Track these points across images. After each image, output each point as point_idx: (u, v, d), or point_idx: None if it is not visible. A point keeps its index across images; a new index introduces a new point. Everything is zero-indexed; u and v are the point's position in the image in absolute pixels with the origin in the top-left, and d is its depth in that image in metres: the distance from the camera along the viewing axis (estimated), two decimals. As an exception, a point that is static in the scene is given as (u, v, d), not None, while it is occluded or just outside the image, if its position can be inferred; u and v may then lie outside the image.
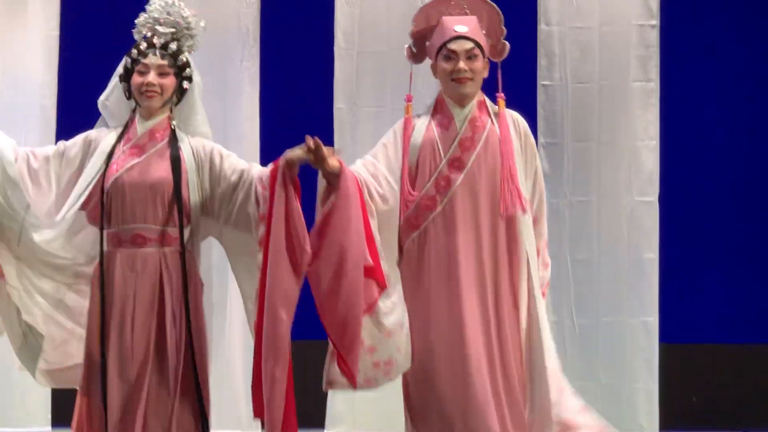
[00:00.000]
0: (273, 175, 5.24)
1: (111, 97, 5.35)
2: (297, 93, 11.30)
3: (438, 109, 5.46)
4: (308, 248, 5.06)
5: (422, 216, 5.29)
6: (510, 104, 11.27)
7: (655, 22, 10.63)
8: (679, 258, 11.25)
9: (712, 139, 11.73)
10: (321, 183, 5.24)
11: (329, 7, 10.63)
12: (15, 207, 5.12)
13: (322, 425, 10.34)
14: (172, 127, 5.35)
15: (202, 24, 5.41)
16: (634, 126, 10.61)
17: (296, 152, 5.14)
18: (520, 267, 5.28)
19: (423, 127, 5.37)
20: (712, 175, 11.71)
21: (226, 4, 10.40)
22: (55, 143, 10.26)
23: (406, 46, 5.41)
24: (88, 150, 5.27)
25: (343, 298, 5.04)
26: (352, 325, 5.06)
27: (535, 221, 5.41)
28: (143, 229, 5.20)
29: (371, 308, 5.09)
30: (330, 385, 5.26)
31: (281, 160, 5.15)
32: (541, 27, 10.68)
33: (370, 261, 5.10)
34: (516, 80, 11.08)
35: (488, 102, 5.44)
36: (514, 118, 5.38)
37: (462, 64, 5.39)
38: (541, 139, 10.60)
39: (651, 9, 10.63)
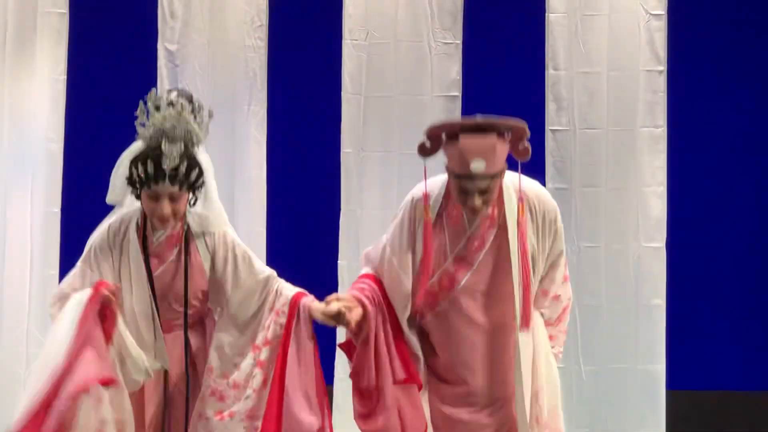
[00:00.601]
0: (293, 310, 5.21)
1: (118, 194, 5.18)
2: (304, 137, 11.25)
3: (449, 196, 5.09)
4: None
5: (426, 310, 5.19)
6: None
7: (663, 67, 10.58)
8: (687, 304, 11.16)
9: (720, 185, 11.68)
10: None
11: (337, 52, 10.60)
12: None
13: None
14: (184, 231, 5.15)
15: (207, 114, 5.13)
16: (642, 171, 10.54)
17: (319, 316, 5.08)
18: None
19: (436, 217, 5.09)
20: (720, 222, 11.66)
21: (233, 48, 10.39)
22: (62, 185, 10.35)
23: (419, 144, 5.07)
24: (113, 261, 5.17)
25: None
26: None
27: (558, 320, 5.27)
28: (170, 318, 5.28)
29: None
30: None
31: (304, 311, 5.11)
32: (549, 72, 10.64)
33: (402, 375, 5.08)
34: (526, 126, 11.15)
35: (506, 190, 5.05)
36: (533, 202, 5.08)
37: (476, 201, 4.96)
38: (549, 185, 10.51)
39: (658, 55, 10.58)
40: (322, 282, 10.32)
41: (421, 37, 10.61)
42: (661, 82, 10.57)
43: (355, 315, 5.03)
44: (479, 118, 4.94)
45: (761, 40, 11.72)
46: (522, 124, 4.94)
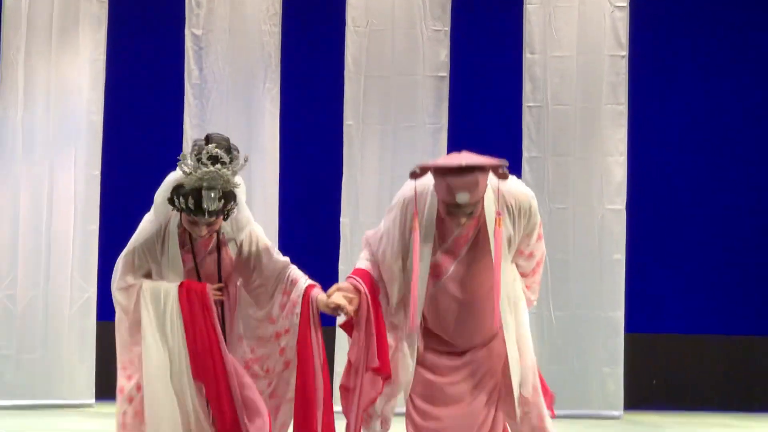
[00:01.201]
0: (306, 302, 5.29)
1: (163, 212, 5.22)
2: (312, 111, 11.31)
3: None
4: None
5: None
6: (499, 123, 11.37)
7: (625, 53, 10.62)
8: (644, 259, 11.28)
9: (674, 155, 11.76)
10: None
11: (340, 37, 10.63)
12: None
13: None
14: (219, 236, 5.26)
15: (243, 157, 5.17)
16: (606, 143, 10.59)
17: (323, 307, 5.22)
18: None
19: (431, 214, 5.10)
20: (673, 187, 11.75)
21: (251, 33, 10.41)
22: (102, 153, 10.40)
23: (411, 171, 5.01)
24: (156, 258, 5.26)
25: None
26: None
27: (530, 256, 5.29)
28: None
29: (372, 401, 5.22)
30: None
31: (313, 304, 5.24)
32: (526, 55, 10.67)
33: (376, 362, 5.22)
34: (504, 102, 11.17)
35: (489, 191, 5.04)
36: (510, 200, 5.07)
37: (462, 220, 4.98)
38: (525, 154, 10.61)
39: (621, 41, 10.62)
40: (327, 236, 10.43)
41: (414, 24, 10.62)
42: (623, 65, 10.61)
43: (354, 304, 5.19)
44: (464, 160, 4.93)
45: (710, 30, 11.78)
46: (502, 163, 4.98)
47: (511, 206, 5.10)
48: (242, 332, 5.40)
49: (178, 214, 5.21)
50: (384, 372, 5.13)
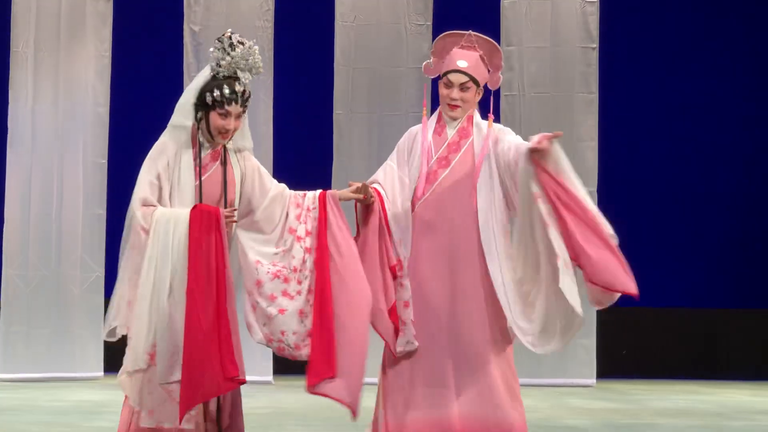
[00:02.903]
0: (323, 202, 5.30)
1: (187, 120, 5.16)
2: (303, 101, 11.41)
3: (438, 119, 5.47)
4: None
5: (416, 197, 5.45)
6: (478, 110, 11.46)
7: (595, 44, 10.74)
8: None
9: (642, 141, 11.89)
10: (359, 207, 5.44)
11: (330, 31, 10.72)
12: None
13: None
14: (224, 150, 5.23)
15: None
16: (578, 129, 10.70)
17: (347, 194, 5.33)
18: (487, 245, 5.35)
19: (429, 132, 5.47)
20: (642, 170, 11.88)
21: (246, 28, 10.45)
22: (108, 144, 10.52)
23: (425, 63, 5.50)
24: (168, 174, 5.21)
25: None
26: None
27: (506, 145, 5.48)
28: None
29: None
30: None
31: (332, 201, 5.25)
32: (504, 47, 10.77)
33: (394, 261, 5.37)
34: (484, 91, 11.25)
35: (477, 116, 5.46)
36: (494, 130, 5.43)
37: (455, 94, 5.36)
38: (502, 140, 10.71)
39: (591, 34, 10.74)
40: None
41: (399, 19, 10.74)
42: (594, 56, 10.72)
43: (372, 191, 5.39)
44: (471, 35, 5.46)
45: (675, 22, 11.89)
46: (494, 45, 5.53)
47: (494, 131, 5.41)
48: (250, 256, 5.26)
49: (193, 127, 5.19)
50: (394, 272, 5.25)
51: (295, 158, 11.01)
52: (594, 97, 10.70)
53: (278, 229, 5.26)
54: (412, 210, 5.39)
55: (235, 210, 5.11)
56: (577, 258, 5.36)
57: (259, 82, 10.46)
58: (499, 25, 10.78)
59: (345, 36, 10.74)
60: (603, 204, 10.67)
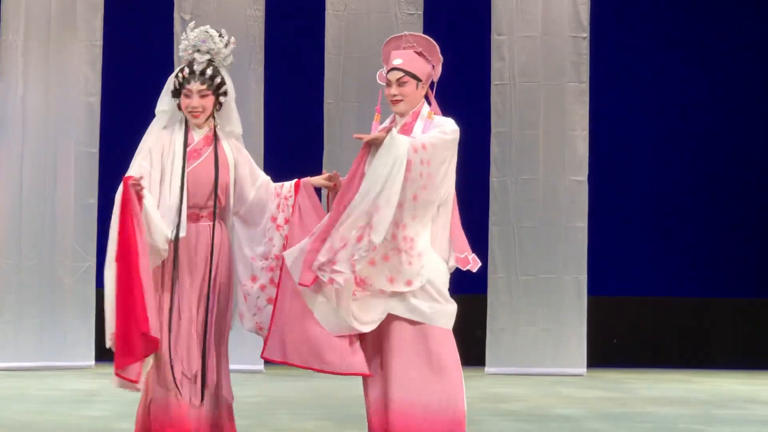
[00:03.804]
0: (297, 189, 5.66)
1: (165, 105, 5.59)
2: (294, 90, 11.42)
3: (393, 118, 5.77)
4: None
5: None
6: (468, 100, 11.47)
7: (586, 34, 10.75)
8: (605, 227, 11.41)
9: (632, 130, 11.90)
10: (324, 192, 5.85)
11: (321, 21, 10.73)
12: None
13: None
14: (216, 133, 5.60)
15: (233, 42, 5.67)
16: (569, 119, 10.73)
17: (318, 180, 5.73)
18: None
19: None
20: (632, 159, 11.90)
21: (237, 18, 10.49)
22: (99, 134, 10.52)
23: (379, 72, 5.84)
24: (160, 158, 5.50)
25: None
26: None
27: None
28: (199, 209, 5.57)
29: None
30: None
31: (305, 186, 5.65)
32: (495, 36, 10.80)
33: None
34: (474, 80, 11.29)
35: (423, 113, 5.70)
36: (437, 120, 5.71)
37: (393, 90, 5.62)
38: (493, 129, 10.76)
39: (582, 23, 10.75)
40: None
41: (389, 8, 10.76)
42: (585, 46, 10.74)
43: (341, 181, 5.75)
44: (407, 36, 5.80)
45: (665, 11, 11.90)
46: (431, 42, 5.77)
47: (435, 122, 5.67)
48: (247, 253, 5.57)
49: (183, 119, 5.52)
50: None
51: (285, 147, 11.02)
52: (585, 86, 10.71)
53: (265, 219, 5.54)
54: None
55: (141, 178, 5.34)
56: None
57: (249, 71, 10.48)
58: (489, 15, 10.79)
59: (336, 25, 10.73)
60: (594, 193, 10.80)
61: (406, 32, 5.86)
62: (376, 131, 5.61)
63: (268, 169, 10.47)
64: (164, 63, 10.62)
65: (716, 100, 11.90)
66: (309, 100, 11.00)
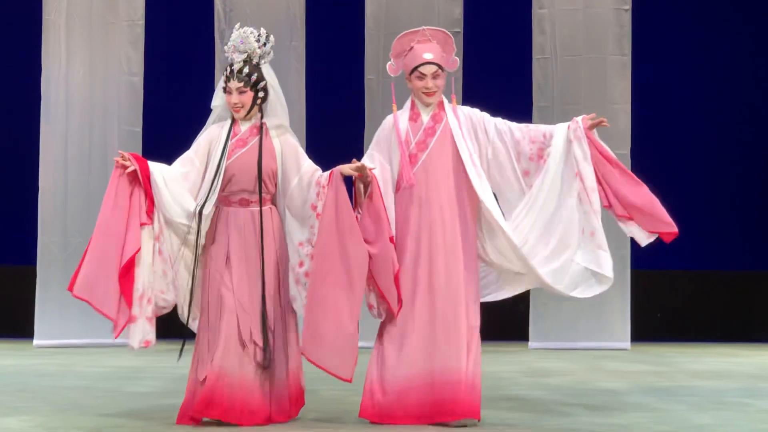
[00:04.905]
0: (330, 178, 5.91)
1: (218, 100, 5.99)
2: (335, 67, 11.43)
3: (412, 107, 6.12)
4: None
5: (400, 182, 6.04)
6: (510, 75, 11.47)
7: (628, 6, 10.72)
8: (648, 200, 11.34)
9: (674, 104, 11.84)
10: (357, 185, 6.03)
11: (361, -2, 10.76)
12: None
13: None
14: (261, 125, 5.94)
15: (271, 40, 5.99)
16: (611, 92, 10.70)
17: (348, 170, 5.91)
18: (475, 213, 5.98)
19: (401, 120, 6.09)
20: (675, 132, 11.85)
21: (278, -4, 10.59)
22: (143, 113, 10.59)
23: (388, 63, 6.19)
24: (208, 149, 5.94)
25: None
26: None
27: (502, 124, 6.10)
28: (249, 194, 5.93)
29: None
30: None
31: (336, 173, 5.88)
32: (536, 10, 10.78)
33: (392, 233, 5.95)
34: (515, 55, 11.28)
35: (445, 101, 6.11)
36: (461, 109, 6.10)
37: (430, 83, 5.99)
38: (535, 103, 10.74)
39: (625, -5, 10.72)
40: (350, 186, 10.64)
41: (430, -17, 10.72)
42: (627, 19, 10.70)
43: (371, 171, 5.94)
44: (425, 30, 6.06)
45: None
46: (447, 34, 6.07)
47: (463, 115, 6.04)
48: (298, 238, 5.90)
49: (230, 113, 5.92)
50: (394, 243, 5.83)
51: (327, 123, 11.05)
52: (627, 59, 10.68)
53: (307, 206, 5.88)
54: (397, 191, 5.95)
55: (127, 154, 5.80)
56: (628, 208, 6.42)
57: (290, 49, 10.51)
58: (530, -12, 10.80)
59: (375, 2, 10.74)
60: (636, 166, 10.73)
61: (423, 27, 6.11)
62: (402, 123, 5.97)
63: (309, 145, 10.62)
64: (205, 42, 10.68)
65: (761, 71, 11.81)
66: (350, 77, 11.01)
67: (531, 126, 6.12)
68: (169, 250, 5.81)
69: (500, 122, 6.07)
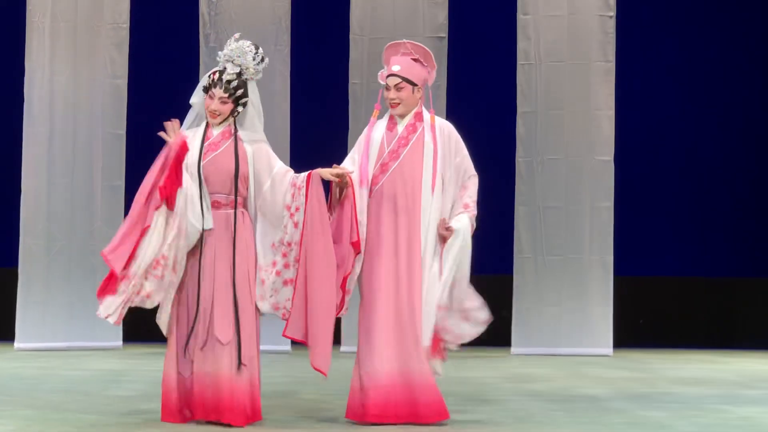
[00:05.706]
0: (308, 180, 6.05)
1: (196, 98, 6.13)
2: (319, 71, 11.42)
3: (390, 117, 6.29)
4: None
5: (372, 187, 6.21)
6: (494, 80, 11.48)
7: (613, 13, 10.73)
8: (630, 207, 11.40)
9: (659, 110, 11.87)
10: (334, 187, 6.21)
11: (346, 2, 10.73)
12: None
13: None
14: (234, 131, 6.04)
15: (266, 61, 6.14)
16: (595, 98, 10.71)
17: (328, 174, 6.08)
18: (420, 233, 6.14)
19: (381, 128, 6.25)
20: (658, 138, 11.87)
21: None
22: (126, 116, 10.58)
23: (380, 72, 6.36)
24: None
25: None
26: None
27: (464, 188, 6.22)
28: (222, 197, 6.02)
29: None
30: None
31: (315, 177, 6.03)
32: (520, 16, 10.78)
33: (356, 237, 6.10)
34: (500, 60, 11.29)
35: (425, 114, 6.26)
36: (440, 125, 6.26)
37: (392, 94, 6.17)
38: (519, 109, 10.76)
39: (609, 2, 10.73)
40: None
41: (415, -11, 10.72)
42: (611, 25, 10.73)
43: (349, 178, 6.12)
44: (406, 43, 6.24)
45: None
46: (427, 50, 6.26)
47: (441, 132, 6.20)
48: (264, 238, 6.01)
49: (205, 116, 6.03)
50: (357, 247, 6.00)
51: (311, 128, 11.05)
52: (611, 65, 10.69)
53: (280, 207, 5.98)
54: (369, 196, 6.10)
55: (175, 122, 5.96)
56: None
57: (275, 53, 10.49)
58: (515, -6, 10.79)
59: (361, 6, 10.74)
60: (620, 173, 10.78)
61: (405, 40, 6.32)
62: (371, 133, 6.15)
63: (293, 150, 10.60)
64: (189, 45, 10.67)
65: (744, 78, 11.84)
66: (334, 81, 11.01)
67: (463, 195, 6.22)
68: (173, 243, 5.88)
69: (461, 168, 6.20)
